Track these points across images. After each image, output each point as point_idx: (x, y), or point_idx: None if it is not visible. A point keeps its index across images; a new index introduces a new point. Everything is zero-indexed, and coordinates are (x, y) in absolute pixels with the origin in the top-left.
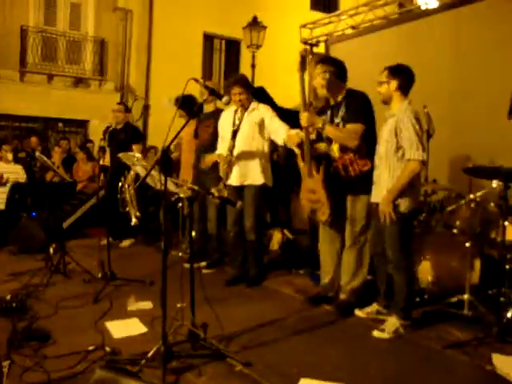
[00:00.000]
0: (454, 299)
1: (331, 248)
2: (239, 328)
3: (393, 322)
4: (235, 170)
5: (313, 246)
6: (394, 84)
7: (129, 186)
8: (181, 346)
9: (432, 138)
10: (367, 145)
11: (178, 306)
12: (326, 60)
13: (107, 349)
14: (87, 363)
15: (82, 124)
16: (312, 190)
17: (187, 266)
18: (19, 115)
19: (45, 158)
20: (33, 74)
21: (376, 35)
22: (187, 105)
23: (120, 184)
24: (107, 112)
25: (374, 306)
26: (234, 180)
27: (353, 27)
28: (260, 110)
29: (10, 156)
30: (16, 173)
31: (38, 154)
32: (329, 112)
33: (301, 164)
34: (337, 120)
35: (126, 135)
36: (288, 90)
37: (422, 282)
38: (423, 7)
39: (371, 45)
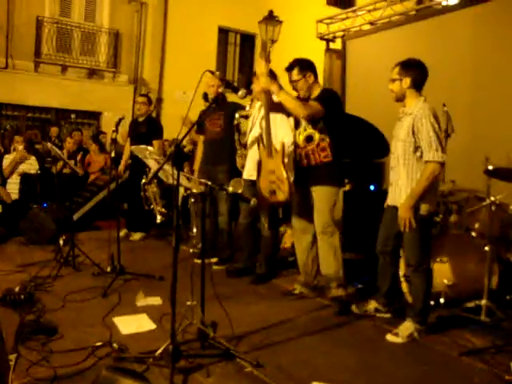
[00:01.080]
0: (471, 304)
1: (303, 240)
2: (249, 327)
3: (407, 326)
4: (247, 164)
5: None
6: (407, 81)
7: (151, 183)
8: (189, 345)
9: (450, 137)
10: (331, 139)
11: (188, 303)
12: (304, 64)
13: (115, 345)
14: (94, 359)
15: (95, 116)
16: (271, 171)
17: (198, 261)
18: (32, 105)
19: (56, 150)
20: (47, 65)
21: (394, 31)
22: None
23: (142, 181)
24: (120, 104)
25: (373, 304)
26: (246, 174)
27: (370, 23)
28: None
29: (20, 147)
30: (29, 163)
31: (49, 145)
32: None
33: (260, 147)
34: None
35: (148, 129)
36: None
37: (437, 286)
38: (443, 3)
39: (389, 41)
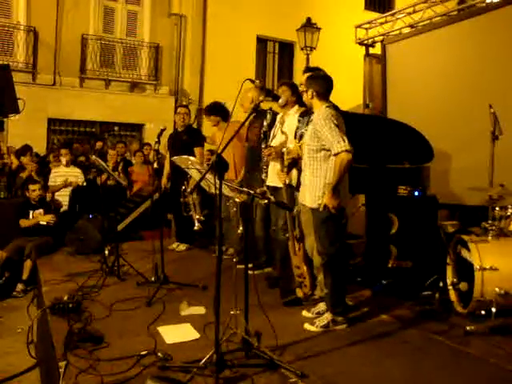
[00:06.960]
0: None
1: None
2: (294, 337)
3: (325, 317)
4: (269, 171)
5: (369, 252)
6: (310, 92)
7: (192, 193)
8: (233, 355)
9: (498, 139)
10: None
11: (232, 312)
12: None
13: (159, 354)
14: (139, 368)
15: (138, 127)
16: (297, 266)
17: (240, 266)
18: (78, 120)
19: (101, 162)
20: (91, 80)
21: (436, 33)
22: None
23: (183, 188)
24: (162, 115)
25: (323, 304)
26: (268, 181)
27: (411, 26)
28: (289, 121)
29: (64, 160)
30: (75, 176)
31: (93, 157)
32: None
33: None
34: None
35: (189, 137)
36: (343, 91)
37: (488, 294)
38: (487, 0)
39: (431, 43)
